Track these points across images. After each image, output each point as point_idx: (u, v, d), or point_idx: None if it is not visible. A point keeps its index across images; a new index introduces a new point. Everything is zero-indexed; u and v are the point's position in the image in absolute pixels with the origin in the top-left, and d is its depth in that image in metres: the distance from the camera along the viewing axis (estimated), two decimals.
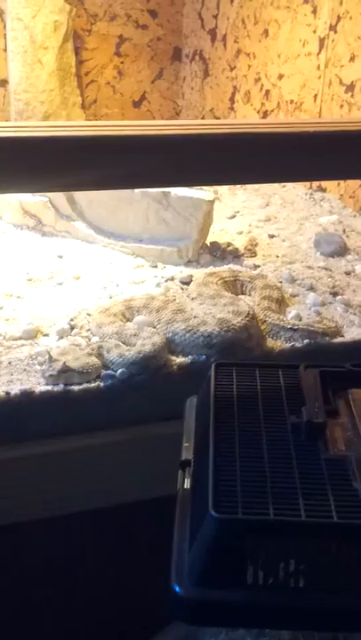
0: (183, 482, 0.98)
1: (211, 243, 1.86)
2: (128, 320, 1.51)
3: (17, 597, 1.41)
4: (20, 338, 1.47)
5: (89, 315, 1.53)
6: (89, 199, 1.91)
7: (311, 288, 1.68)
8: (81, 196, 1.92)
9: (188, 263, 1.79)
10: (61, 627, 1.44)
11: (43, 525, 1.33)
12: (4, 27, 2.47)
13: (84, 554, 1.39)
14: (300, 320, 1.52)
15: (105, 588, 1.41)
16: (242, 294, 1.63)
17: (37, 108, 2.51)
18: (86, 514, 1.34)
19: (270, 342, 1.47)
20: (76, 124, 1.43)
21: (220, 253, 1.84)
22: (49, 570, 1.40)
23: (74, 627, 1.45)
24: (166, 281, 1.69)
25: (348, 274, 1.79)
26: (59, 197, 1.93)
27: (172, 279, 1.70)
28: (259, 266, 1.79)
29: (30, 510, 1.31)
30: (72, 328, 1.50)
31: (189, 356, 1.40)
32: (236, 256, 1.84)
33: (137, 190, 1.81)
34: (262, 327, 1.48)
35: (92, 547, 1.39)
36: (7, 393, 1.31)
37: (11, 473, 1.31)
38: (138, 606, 1.37)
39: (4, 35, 2.48)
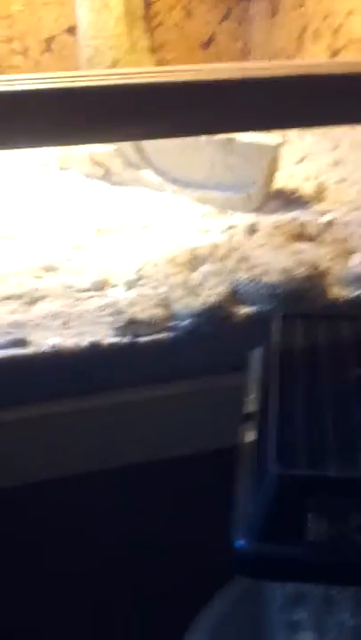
0: (245, 435, 0.97)
1: (278, 189, 1.85)
2: (194, 270, 1.51)
3: (64, 552, 1.42)
4: (89, 289, 1.48)
5: (156, 265, 1.54)
6: (156, 146, 1.90)
7: None
8: (148, 144, 1.92)
9: (255, 210, 1.78)
10: (113, 587, 1.45)
11: (100, 476, 1.34)
12: None
13: (142, 508, 1.40)
14: None
15: (162, 545, 1.42)
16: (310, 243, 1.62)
17: (106, 53, 2.50)
18: (152, 464, 1.35)
19: (336, 292, 1.45)
20: (144, 71, 1.42)
21: (288, 200, 1.82)
22: (104, 525, 1.41)
23: (131, 587, 1.45)
24: (231, 229, 1.68)
25: None
26: (126, 145, 1.93)
27: (238, 227, 1.68)
28: (327, 212, 1.77)
29: (89, 462, 1.33)
30: (140, 279, 1.50)
31: (254, 307, 1.40)
32: (303, 202, 1.82)
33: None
34: (329, 277, 1.47)
35: (151, 500, 1.40)
36: (76, 345, 1.33)
37: (78, 424, 1.33)
38: (198, 564, 1.37)
39: None
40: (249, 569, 0.85)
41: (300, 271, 1.41)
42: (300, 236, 1.62)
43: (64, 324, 1.39)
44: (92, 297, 1.47)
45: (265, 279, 1.41)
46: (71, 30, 2.55)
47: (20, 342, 1.35)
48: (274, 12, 2.64)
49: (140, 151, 1.92)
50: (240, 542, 0.83)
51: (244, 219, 1.74)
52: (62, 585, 1.42)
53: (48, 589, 1.42)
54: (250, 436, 0.97)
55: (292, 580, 0.88)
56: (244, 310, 1.40)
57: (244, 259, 1.48)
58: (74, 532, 1.40)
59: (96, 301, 1.45)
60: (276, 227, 1.62)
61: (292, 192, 1.85)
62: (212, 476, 1.25)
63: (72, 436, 1.33)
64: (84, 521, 1.40)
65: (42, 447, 1.33)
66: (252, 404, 1.02)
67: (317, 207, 1.80)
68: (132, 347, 1.35)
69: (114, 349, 1.34)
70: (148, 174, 1.93)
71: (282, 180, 1.90)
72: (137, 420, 1.36)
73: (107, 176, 1.98)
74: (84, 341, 1.34)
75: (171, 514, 1.40)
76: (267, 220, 1.70)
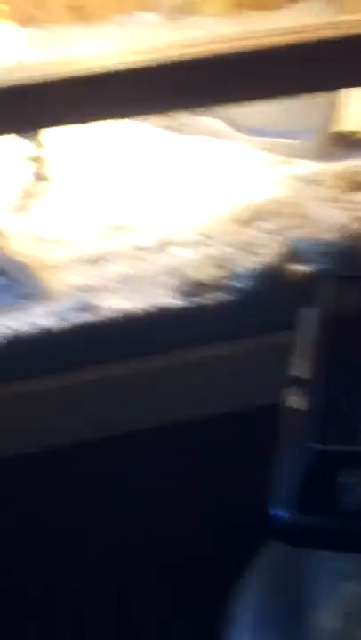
0: (288, 400, 0.96)
1: (342, 133, 1.79)
2: (252, 227, 1.49)
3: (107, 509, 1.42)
4: (150, 249, 1.48)
5: (216, 223, 1.52)
6: None
7: None
8: None
9: (318, 158, 1.72)
10: (147, 551, 1.43)
11: (149, 435, 1.36)
12: None
13: (189, 465, 1.40)
14: None
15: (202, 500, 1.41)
16: None
17: None
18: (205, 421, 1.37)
19: None
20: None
21: (354, 145, 1.78)
22: (139, 486, 1.40)
23: (161, 551, 1.43)
24: (290, 181, 1.64)
25: None
26: None
27: (299, 178, 1.65)
28: None
29: (135, 422, 1.36)
30: (200, 238, 1.49)
31: (311, 266, 1.38)
32: None
33: None
34: None
35: (207, 454, 1.41)
36: (136, 306, 1.36)
37: (132, 385, 1.37)
38: (231, 529, 1.37)
39: None
40: (285, 537, 0.88)
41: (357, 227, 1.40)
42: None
43: (126, 285, 1.42)
44: (152, 256, 1.47)
45: (321, 236, 1.39)
46: None
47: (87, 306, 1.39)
48: None
49: None
50: (277, 511, 0.86)
51: (306, 168, 1.69)
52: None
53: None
54: (292, 401, 0.96)
55: (326, 548, 0.90)
56: (300, 269, 1.39)
57: (302, 216, 1.46)
58: (117, 486, 1.40)
59: (156, 261, 1.46)
60: (338, 176, 1.59)
61: (358, 136, 1.80)
62: (265, 433, 1.26)
63: (131, 394, 1.37)
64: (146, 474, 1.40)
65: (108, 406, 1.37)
66: (297, 367, 1.00)
67: None
68: (191, 307, 1.37)
69: (172, 310, 1.37)
70: (211, 122, 1.90)
71: (348, 124, 1.82)
72: (195, 379, 1.38)
73: (172, 125, 1.96)
74: (144, 303, 1.37)
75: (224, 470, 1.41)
76: (328, 169, 1.65)
